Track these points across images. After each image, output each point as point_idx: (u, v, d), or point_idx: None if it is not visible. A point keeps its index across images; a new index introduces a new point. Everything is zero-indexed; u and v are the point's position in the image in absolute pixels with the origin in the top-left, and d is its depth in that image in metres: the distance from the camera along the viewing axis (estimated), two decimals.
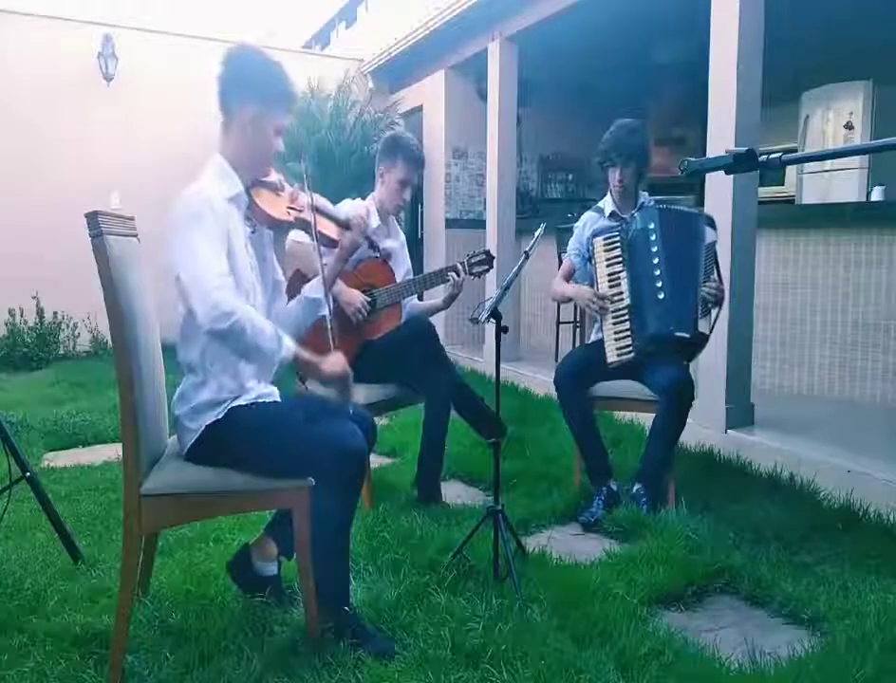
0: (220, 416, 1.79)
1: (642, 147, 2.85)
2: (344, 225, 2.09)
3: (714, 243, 2.71)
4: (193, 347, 1.80)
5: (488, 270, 2.79)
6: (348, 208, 2.82)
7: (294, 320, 2.00)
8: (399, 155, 2.88)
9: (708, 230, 2.70)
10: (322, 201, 2.05)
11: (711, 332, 2.73)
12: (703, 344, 2.72)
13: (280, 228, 1.93)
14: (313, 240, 1.93)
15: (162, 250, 1.71)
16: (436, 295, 3.15)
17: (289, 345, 1.71)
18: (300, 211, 1.91)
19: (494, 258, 2.81)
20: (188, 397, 1.81)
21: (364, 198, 2.98)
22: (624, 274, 2.73)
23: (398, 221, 3.18)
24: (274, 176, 1.94)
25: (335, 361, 1.76)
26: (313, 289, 2.00)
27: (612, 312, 2.73)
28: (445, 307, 2.98)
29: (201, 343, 1.78)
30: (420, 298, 3.06)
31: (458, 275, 2.75)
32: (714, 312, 2.74)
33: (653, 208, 2.76)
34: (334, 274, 2.20)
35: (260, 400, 1.87)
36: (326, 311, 2.02)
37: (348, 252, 2.27)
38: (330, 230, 2.02)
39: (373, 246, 2.37)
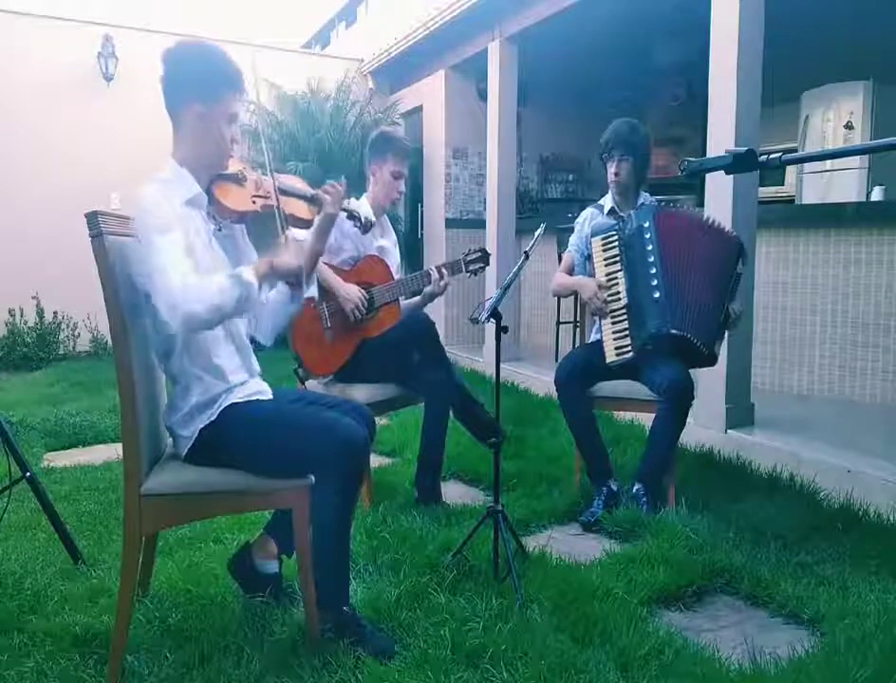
0: (214, 418, 1.78)
1: (641, 145, 2.83)
2: (316, 199, 1.96)
3: (741, 275, 2.70)
4: (171, 359, 1.79)
5: (484, 268, 2.80)
6: None
7: (272, 309, 1.94)
8: (389, 150, 2.91)
9: (739, 261, 2.69)
10: (290, 181, 1.94)
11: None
12: (709, 360, 2.69)
13: (246, 219, 1.86)
14: (281, 224, 1.82)
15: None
16: None
17: (249, 278, 1.66)
18: (266, 197, 1.83)
19: (489, 255, 2.83)
20: (177, 406, 1.80)
21: (358, 199, 2.99)
22: (621, 274, 2.73)
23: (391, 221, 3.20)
24: (236, 166, 1.87)
25: (287, 256, 1.76)
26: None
27: (611, 312, 2.73)
28: (422, 306, 2.97)
29: (177, 352, 1.77)
30: (420, 292, 3.06)
31: (454, 273, 2.77)
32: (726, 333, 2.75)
33: (650, 207, 2.76)
34: (314, 254, 2.08)
35: (253, 398, 1.86)
36: (311, 293, 1.99)
37: (325, 228, 2.15)
38: (302, 210, 1.92)
39: (352, 217, 2.24)
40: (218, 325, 1.72)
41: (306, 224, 1.94)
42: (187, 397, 1.79)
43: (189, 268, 1.62)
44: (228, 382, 1.81)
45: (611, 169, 2.87)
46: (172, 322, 1.60)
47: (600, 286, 2.74)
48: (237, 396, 1.83)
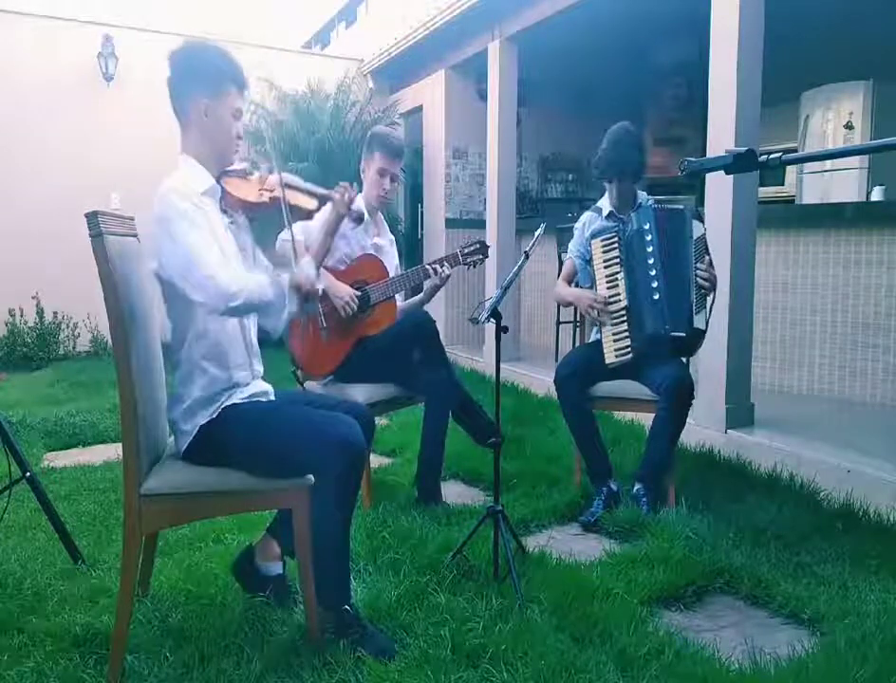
0: (214, 416, 1.79)
1: (634, 160, 2.81)
2: (323, 196, 2.01)
3: (702, 236, 2.70)
4: (177, 345, 1.80)
5: (482, 260, 2.79)
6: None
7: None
8: (374, 146, 2.90)
9: (696, 223, 2.69)
10: (293, 178, 1.98)
11: (707, 325, 2.71)
12: (702, 338, 2.70)
13: (255, 212, 1.91)
14: (286, 216, 1.85)
15: (150, 249, 1.74)
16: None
17: (285, 287, 1.73)
18: (272, 190, 1.87)
19: (488, 247, 2.81)
20: (180, 397, 1.81)
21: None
22: (621, 275, 2.73)
23: (388, 220, 3.19)
24: (240, 164, 1.93)
25: (305, 271, 1.77)
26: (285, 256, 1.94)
27: (610, 313, 2.73)
28: (426, 301, 2.97)
29: (186, 340, 1.78)
30: (420, 290, 3.05)
31: (452, 266, 2.75)
32: (709, 301, 2.71)
33: (649, 208, 2.76)
34: (323, 249, 2.18)
35: (254, 399, 1.87)
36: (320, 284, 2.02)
37: (335, 223, 2.24)
38: (307, 202, 1.95)
39: (358, 218, 2.36)
40: (240, 316, 1.78)
41: (309, 215, 1.97)
42: (189, 388, 1.80)
43: (220, 254, 1.68)
44: (231, 379, 1.83)
45: (612, 191, 2.90)
46: (204, 294, 1.62)
47: (597, 302, 2.74)
48: (239, 397, 1.83)
